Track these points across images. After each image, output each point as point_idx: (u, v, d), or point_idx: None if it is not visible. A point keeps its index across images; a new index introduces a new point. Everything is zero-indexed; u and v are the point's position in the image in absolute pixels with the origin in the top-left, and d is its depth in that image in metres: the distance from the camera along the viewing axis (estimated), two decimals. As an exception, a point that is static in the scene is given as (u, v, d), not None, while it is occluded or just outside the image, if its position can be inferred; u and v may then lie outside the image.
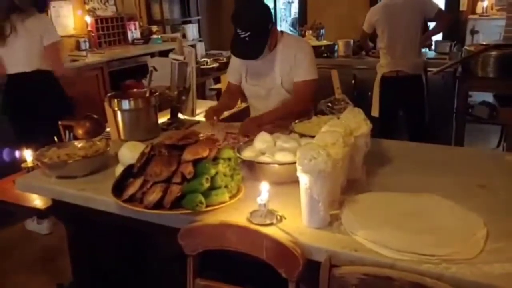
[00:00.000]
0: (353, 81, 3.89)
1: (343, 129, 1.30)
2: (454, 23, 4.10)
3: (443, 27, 3.46)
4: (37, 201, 1.87)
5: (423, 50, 3.95)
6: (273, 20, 1.98)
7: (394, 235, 1.08)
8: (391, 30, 3.26)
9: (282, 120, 1.84)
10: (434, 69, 3.41)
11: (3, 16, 2.67)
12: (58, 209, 1.67)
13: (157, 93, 2.03)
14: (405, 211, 1.19)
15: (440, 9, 3.32)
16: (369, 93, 3.45)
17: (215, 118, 2.05)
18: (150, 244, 1.83)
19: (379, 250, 1.06)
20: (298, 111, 1.87)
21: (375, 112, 3.37)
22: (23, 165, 1.94)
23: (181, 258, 1.27)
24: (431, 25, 3.51)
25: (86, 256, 1.76)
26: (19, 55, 2.73)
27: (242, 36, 1.78)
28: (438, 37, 4.12)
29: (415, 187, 1.36)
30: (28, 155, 1.96)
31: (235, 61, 2.10)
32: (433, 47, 3.93)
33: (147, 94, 2.03)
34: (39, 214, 1.82)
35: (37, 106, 2.73)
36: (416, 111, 3.41)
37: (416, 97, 3.37)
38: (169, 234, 1.28)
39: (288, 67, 1.93)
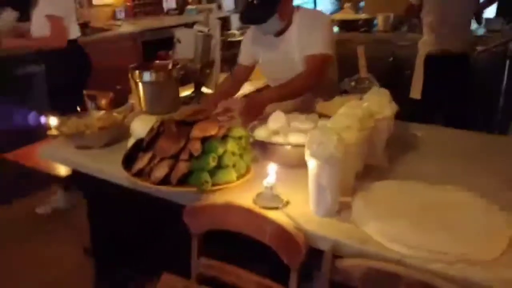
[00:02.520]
0: (391, 59, 3.69)
1: (362, 111, 1.22)
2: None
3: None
4: (61, 170, 1.92)
5: (473, 27, 3.67)
6: None
7: (406, 228, 1.01)
8: (444, 3, 3.00)
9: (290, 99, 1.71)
10: (482, 47, 3.16)
11: None
12: (78, 178, 1.70)
13: (178, 66, 1.99)
14: (423, 203, 1.11)
15: None
16: (407, 72, 3.25)
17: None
18: (169, 218, 1.83)
19: (387, 244, 0.99)
20: (304, 86, 1.70)
21: (416, 94, 3.15)
22: (48, 132, 1.97)
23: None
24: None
25: (105, 226, 1.79)
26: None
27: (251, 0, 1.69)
28: (490, 13, 3.79)
29: (440, 178, 1.26)
30: (53, 121, 1.99)
31: (248, 40, 1.98)
32: (483, 24, 3.62)
33: (170, 67, 2.00)
34: (62, 182, 1.86)
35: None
36: (461, 93, 3.17)
37: (463, 78, 3.13)
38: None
39: (306, 43, 1.82)
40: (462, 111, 3.17)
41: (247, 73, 2.02)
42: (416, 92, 3.15)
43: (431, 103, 3.20)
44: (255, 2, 1.68)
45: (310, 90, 1.72)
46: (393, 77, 3.38)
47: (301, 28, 1.78)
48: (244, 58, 2.00)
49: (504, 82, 3.34)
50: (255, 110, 1.55)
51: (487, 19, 3.66)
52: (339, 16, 4.00)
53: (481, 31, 3.66)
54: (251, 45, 1.95)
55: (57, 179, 1.91)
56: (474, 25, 3.62)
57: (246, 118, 1.49)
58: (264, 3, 1.69)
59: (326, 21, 1.85)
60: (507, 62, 3.28)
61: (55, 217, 2.70)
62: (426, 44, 3.12)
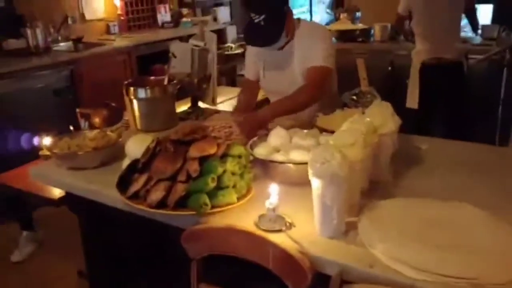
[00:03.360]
0: (389, 68, 3.67)
1: (365, 126, 1.17)
2: (505, 4, 3.77)
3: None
4: (54, 191, 1.85)
5: (469, 35, 3.66)
6: (288, 3, 1.79)
7: (415, 250, 0.96)
8: (431, 12, 2.98)
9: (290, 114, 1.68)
10: (479, 56, 3.13)
11: None
12: (71, 200, 1.64)
13: (175, 81, 1.95)
14: (432, 222, 1.06)
15: None
16: (406, 81, 3.23)
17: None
18: (167, 240, 1.77)
19: (397, 267, 0.94)
20: (308, 98, 1.67)
21: (412, 104, 3.13)
22: (40, 152, 1.92)
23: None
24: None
25: (100, 248, 1.73)
26: None
27: (256, 20, 1.65)
28: (486, 21, 3.78)
29: (447, 193, 1.22)
30: (46, 142, 1.93)
31: (251, 56, 1.96)
32: (479, 31, 3.61)
33: (165, 82, 1.95)
34: (54, 203, 1.80)
35: None
36: (457, 102, 3.14)
37: (457, 87, 3.11)
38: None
39: (307, 56, 1.78)
40: (460, 119, 3.15)
41: (257, 85, 2.00)
42: (412, 102, 3.13)
43: (429, 112, 3.18)
44: (261, 23, 1.65)
45: (314, 102, 1.68)
46: (392, 87, 3.36)
47: (302, 42, 1.76)
48: (249, 72, 1.99)
49: (502, 91, 3.31)
50: (253, 129, 1.52)
51: (483, 27, 3.65)
52: (336, 26, 3.99)
53: (477, 39, 3.65)
54: (255, 58, 1.93)
55: (49, 200, 1.83)
56: (469, 33, 3.62)
57: (244, 137, 1.44)
58: (271, 23, 1.66)
59: (326, 35, 1.83)
60: (505, 70, 3.25)
61: (48, 240, 2.63)
62: (419, 53, 3.11)
